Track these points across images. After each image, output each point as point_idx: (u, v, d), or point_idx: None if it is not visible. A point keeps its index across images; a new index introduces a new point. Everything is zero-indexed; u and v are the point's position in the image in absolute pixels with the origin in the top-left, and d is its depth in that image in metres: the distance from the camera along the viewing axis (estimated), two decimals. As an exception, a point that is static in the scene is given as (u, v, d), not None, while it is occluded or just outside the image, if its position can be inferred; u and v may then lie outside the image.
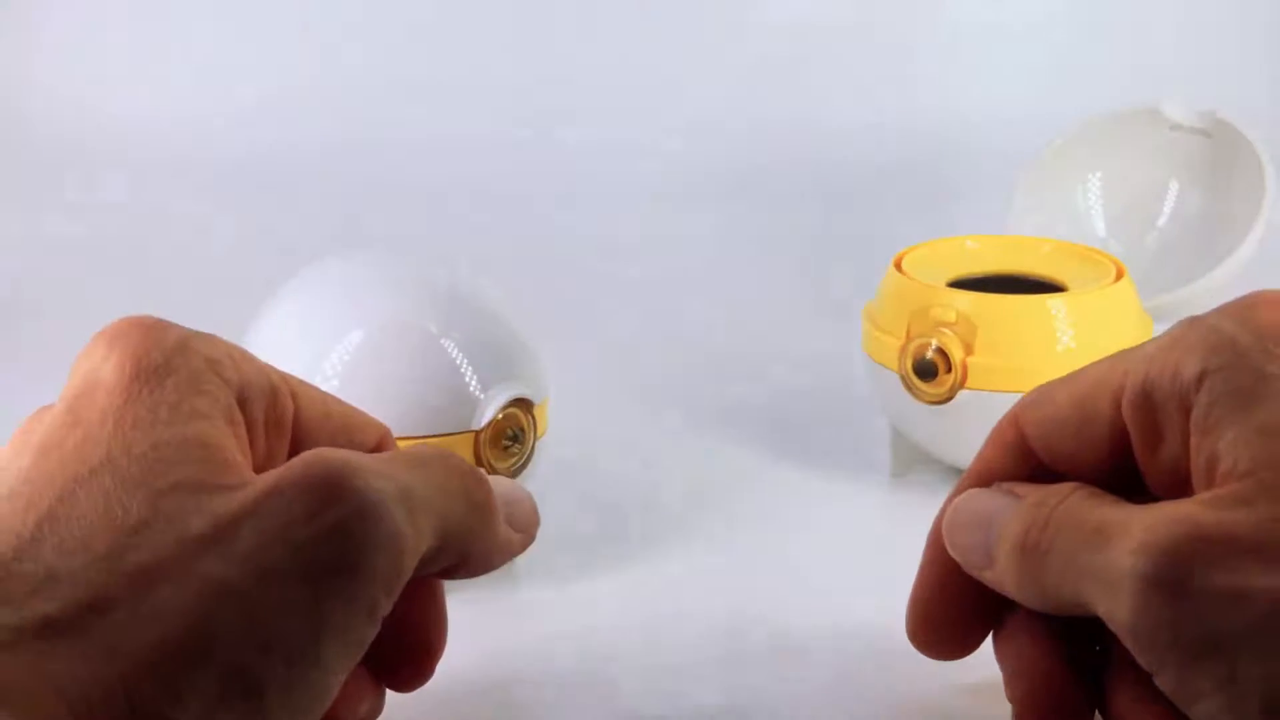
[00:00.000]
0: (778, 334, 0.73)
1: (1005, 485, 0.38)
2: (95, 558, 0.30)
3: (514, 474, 0.47)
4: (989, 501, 0.38)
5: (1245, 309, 0.35)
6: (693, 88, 1.01)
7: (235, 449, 0.33)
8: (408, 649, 0.38)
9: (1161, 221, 0.75)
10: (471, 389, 0.46)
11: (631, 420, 0.63)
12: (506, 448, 0.46)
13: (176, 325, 0.35)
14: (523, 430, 0.46)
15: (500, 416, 0.46)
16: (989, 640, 0.40)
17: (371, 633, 0.32)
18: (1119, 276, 0.55)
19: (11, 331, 0.74)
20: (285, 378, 0.37)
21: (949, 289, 0.54)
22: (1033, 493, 0.37)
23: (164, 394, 0.33)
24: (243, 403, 0.35)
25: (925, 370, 0.52)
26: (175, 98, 0.98)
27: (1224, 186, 0.72)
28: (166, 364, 0.34)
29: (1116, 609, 0.32)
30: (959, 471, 0.56)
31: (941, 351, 0.52)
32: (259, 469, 0.34)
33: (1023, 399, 0.39)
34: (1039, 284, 0.56)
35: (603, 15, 1.03)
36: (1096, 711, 0.38)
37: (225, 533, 0.31)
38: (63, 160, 0.94)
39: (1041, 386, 0.39)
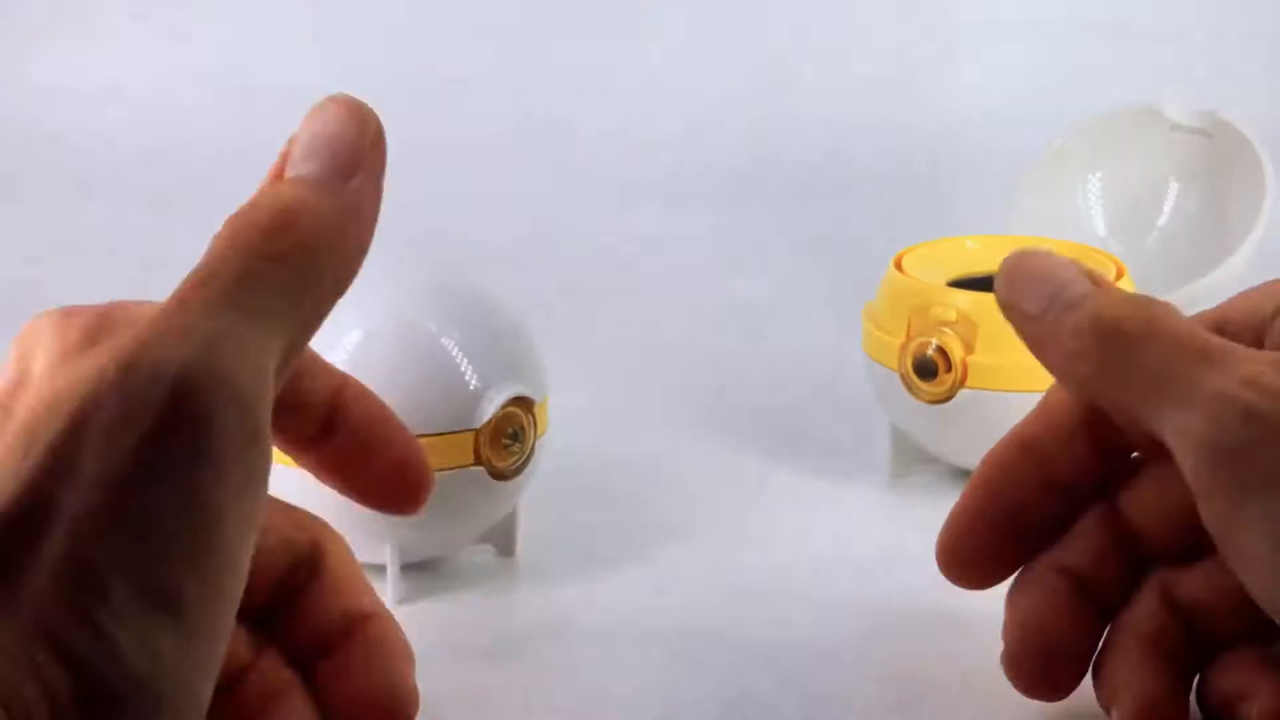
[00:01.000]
0: (777, 333, 0.73)
1: (1086, 265, 0.38)
2: None
3: (514, 473, 0.47)
4: (1066, 267, 0.38)
5: None
6: (692, 87, 1.01)
7: None
8: (387, 470, 0.37)
9: (1161, 221, 0.75)
10: (471, 387, 0.46)
11: (631, 420, 0.63)
12: (506, 446, 0.46)
13: (89, 305, 0.34)
14: (523, 429, 0.46)
15: (500, 415, 0.46)
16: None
17: (260, 464, 0.30)
18: (1119, 276, 0.55)
19: (11, 333, 0.74)
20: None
21: (949, 288, 0.54)
22: (1124, 289, 0.39)
23: (93, 353, 0.32)
24: None
25: (925, 369, 0.52)
26: (175, 96, 0.98)
27: (1224, 186, 0.72)
28: (97, 332, 0.33)
29: (1193, 423, 0.33)
30: (959, 471, 0.56)
31: (941, 351, 0.52)
32: None
33: None
34: (1039, 283, 0.56)
35: (602, 14, 1.03)
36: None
37: (65, 464, 0.28)
38: (63, 160, 0.94)
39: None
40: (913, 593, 0.48)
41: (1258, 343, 0.36)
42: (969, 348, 0.52)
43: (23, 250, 0.84)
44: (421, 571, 0.49)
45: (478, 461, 0.46)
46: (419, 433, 0.45)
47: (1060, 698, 0.40)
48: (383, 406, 0.38)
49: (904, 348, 0.53)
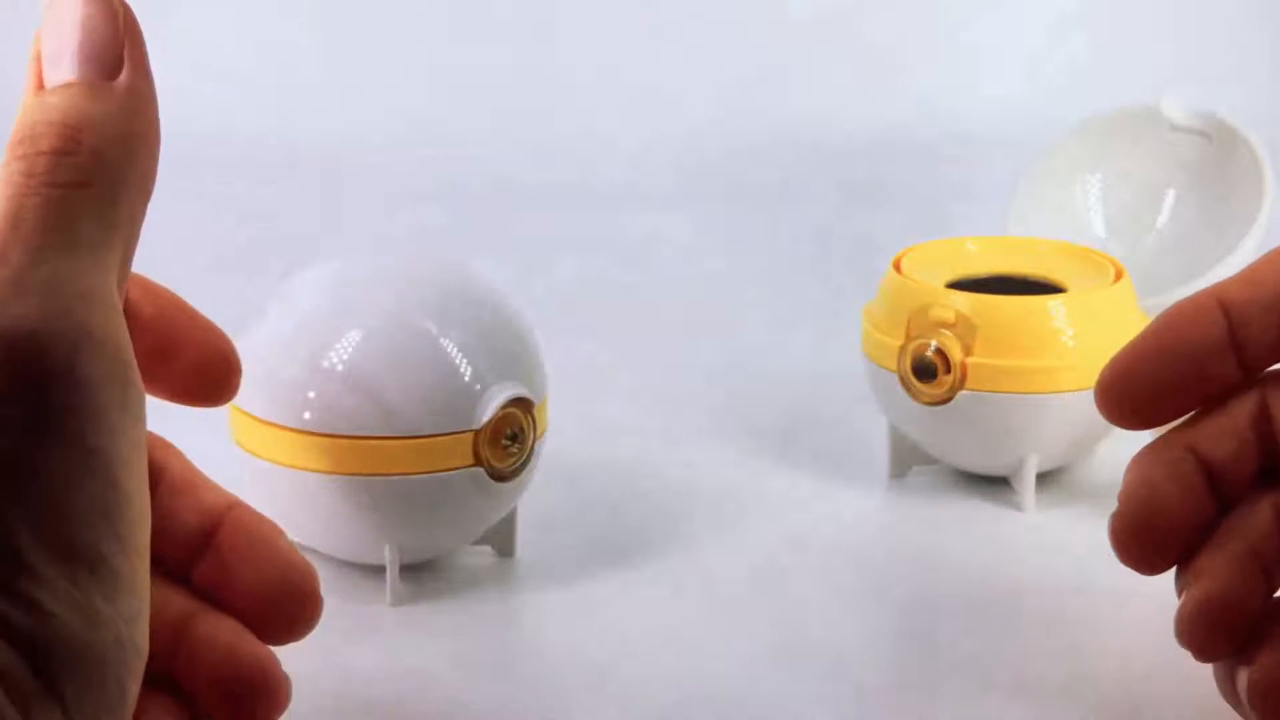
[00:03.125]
0: (777, 334, 0.73)
1: None
2: None
3: (514, 474, 0.47)
4: None
5: None
6: (692, 88, 1.01)
7: None
8: (195, 367, 0.36)
9: (1161, 222, 0.75)
10: (471, 388, 0.46)
11: (631, 420, 0.63)
12: (506, 447, 0.46)
13: None
14: (522, 430, 0.46)
15: (499, 416, 0.46)
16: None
17: (136, 397, 0.30)
18: (1118, 277, 0.55)
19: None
20: None
21: (948, 290, 0.54)
22: None
23: None
24: None
25: (924, 371, 0.52)
26: (177, 97, 0.98)
27: (1223, 188, 0.72)
28: None
29: None
30: (958, 472, 0.56)
31: (940, 352, 0.52)
32: None
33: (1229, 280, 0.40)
34: (1038, 285, 0.56)
35: (603, 15, 1.03)
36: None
37: None
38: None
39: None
40: (913, 593, 0.48)
41: None
42: (968, 349, 0.52)
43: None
44: (421, 572, 0.49)
45: (477, 462, 0.46)
46: (418, 434, 0.45)
47: (1154, 571, 0.39)
48: (177, 299, 0.36)
49: (903, 349, 0.53)
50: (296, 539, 0.42)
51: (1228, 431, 0.39)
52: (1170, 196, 0.75)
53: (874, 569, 0.50)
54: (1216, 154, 0.73)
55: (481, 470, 0.46)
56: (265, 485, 0.46)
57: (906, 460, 0.57)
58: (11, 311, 0.28)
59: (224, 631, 0.36)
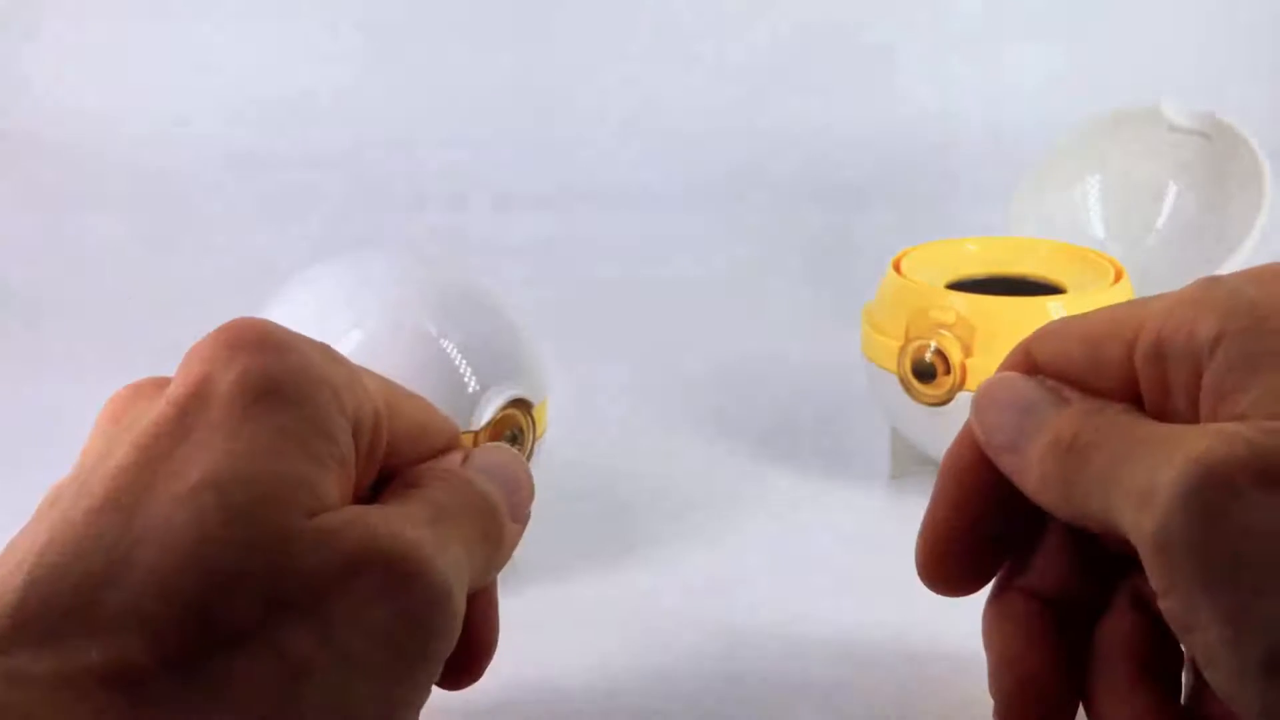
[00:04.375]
0: (777, 335, 0.73)
1: (1050, 383, 0.36)
2: (182, 607, 0.29)
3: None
4: (1031, 391, 0.36)
5: (1268, 275, 0.34)
6: (692, 89, 1.01)
7: (337, 495, 0.33)
8: (462, 654, 0.37)
9: (1160, 223, 0.75)
10: (470, 389, 0.46)
11: (631, 421, 0.63)
12: (505, 448, 0.46)
13: (297, 337, 0.34)
14: (521, 431, 0.46)
15: (499, 417, 0.46)
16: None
17: (426, 698, 0.33)
18: (1118, 278, 0.55)
19: (17, 330, 0.74)
20: (380, 392, 0.36)
21: (947, 291, 0.54)
22: (1081, 400, 0.35)
23: (286, 420, 0.32)
24: (354, 436, 0.34)
25: (924, 372, 0.52)
26: (178, 100, 0.98)
27: (1223, 188, 0.72)
28: (296, 390, 0.32)
29: (1145, 519, 0.30)
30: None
31: (940, 353, 0.52)
32: (355, 491, 0.34)
33: (1037, 330, 0.38)
34: (1038, 286, 0.56)
35: (604, 16, 1.03)
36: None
37: (310, 606, 0.30)
38: (67, 162, 0.94)
39: (1056, 321, 0.38)
40: (913, 594, 0.48)
41: (1195, 375, 0.33)
42: (967, 350, 0.52)
43: (27, 249, 0.84)
44: (421, 573, 0.49)
45: (477, 463, 0.46)
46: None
47: None
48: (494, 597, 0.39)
49: (903, 350, 0.53)
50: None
51: (1054, 556, 0.38)
52: (1170, 196, 0.75)
53: (874, 569, 0.50)
54: (1216, 154, 0.73)
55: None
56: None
57: (906, 460, 0.57)
58: (436, 561, 0.32)
59: None
